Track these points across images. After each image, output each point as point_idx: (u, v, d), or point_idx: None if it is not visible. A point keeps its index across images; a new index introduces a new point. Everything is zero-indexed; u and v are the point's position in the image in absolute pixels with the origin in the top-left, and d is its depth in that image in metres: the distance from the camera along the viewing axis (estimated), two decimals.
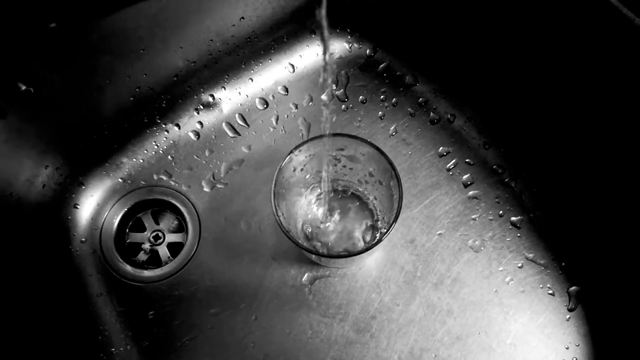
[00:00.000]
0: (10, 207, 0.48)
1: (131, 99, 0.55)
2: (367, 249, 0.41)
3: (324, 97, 0.52)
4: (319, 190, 0.52)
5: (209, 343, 0.49)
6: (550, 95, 0.50)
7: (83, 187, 0.56)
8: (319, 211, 0.52)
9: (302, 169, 0.48)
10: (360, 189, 0.52)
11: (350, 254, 0.45)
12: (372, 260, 0.52)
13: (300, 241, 0.42)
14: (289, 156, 0.43)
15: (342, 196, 0.52)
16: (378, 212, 0.51)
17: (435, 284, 0.50)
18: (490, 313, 0.49)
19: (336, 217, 0.52)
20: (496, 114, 0.57)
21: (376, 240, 0.41)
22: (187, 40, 0.54)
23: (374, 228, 0.51)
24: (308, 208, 0.52)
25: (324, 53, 0.33)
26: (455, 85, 0.59)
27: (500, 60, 0.53)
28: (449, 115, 0.59)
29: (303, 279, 0.51)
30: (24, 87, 0.45)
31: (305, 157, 0.46)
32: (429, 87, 0.60)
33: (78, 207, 0.55)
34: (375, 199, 0.51)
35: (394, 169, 0.42)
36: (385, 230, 0.41)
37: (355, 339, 0.48)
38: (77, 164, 0.55)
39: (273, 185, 0.42)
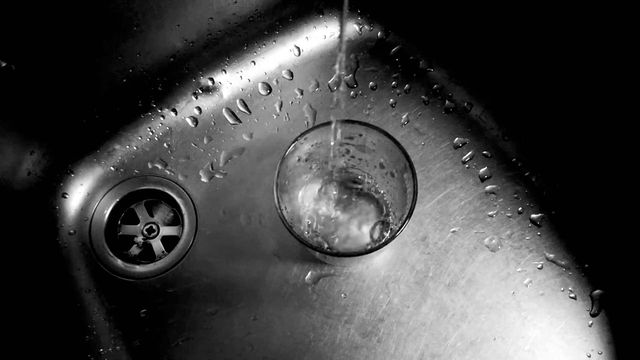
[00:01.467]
0: None
1: (124, 80, 0.53)
2: (377, 247, 0.39)
3: (335, 77, 0.50)
4: (325, 182, 0.50)
5: (204, 344, 0.48)
6: (576, 83, 0.48)
7: (72, 175, 0.55)
8: (325, 205, 0.50)
9: (307, 159, 0.46)
10: (369, 182, 0.50)
11: (359, 252, 0.42)
12: (380, 259, 0.50)
13: (304, 237, 0.39)
14: (293, 144, 0.41)
15: (350, 189, 0.50)
16: (389, 206, 0.49)
17: (448, 285, 0.49)
18: (507, 317, 0.48)
19: (343, 211, 0.50)
20: (516, 102, 0.55)
21: (387, 238, 0.38)
22: (185, 17, 0.52)
23: (383, 224, 0.49)
24: (313, 201, 0.50)
25: (341, 28, 0.30)
26: (472, 71, 0.57)
27: (522, 44, 0.51)
28: (465, 104, 0.57)
29: (306, 278, 0.50)
30: (4, 64, 0.43)
31: (311, 145, 0.44)
32: (444, 73, 0.58)
33: (66, 196, 0.54)
34: (386, 192, 0.49)
35: (408, 160, 0.40)
36: (397, 227, 0.39)
37: (361, 343, 0.47)
38: (65, 150, 0.54)
39: (276, 176, 0.40)
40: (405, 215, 0.39)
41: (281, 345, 0.47)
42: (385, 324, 0.47)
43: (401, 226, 0.38)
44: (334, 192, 0.50)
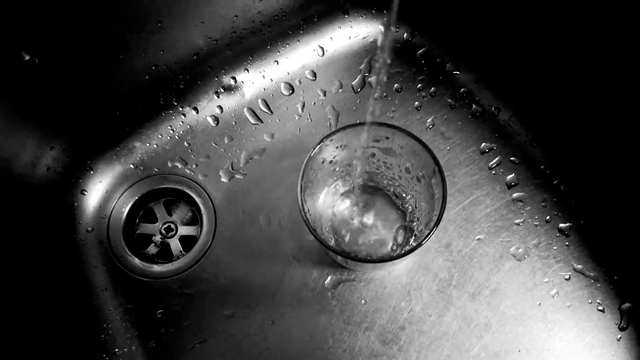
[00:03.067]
0: (11, 190, 0.46)
1: (146, 77, 0.53)
2: (404, 254, 0.38)
3: (372, 79, 0.49)
4: (348, 186, 0.49)
5: (220, 347, 0.47)
6: (606, 89, 0.47)
7: (91, 172, 0.54)
8: (348, 209, 0.49)
9: (331, 161, 0.45)
10: (394, 186, 0.49)
11: (384, 259, 0.41)
12: (402, 265, 0.49)
13: (329, 243, 0.39)
14: (319, 145, 0.40)
15: (374, 193, 0.50)
16: (413, 212, 0.48)
17: (472, 294, 0.48)
18: (532, 329, 0.47)
19: (367, 215, 0.49)
20: (546, 108, 0.53)
21: (414, 245, 0.37)
22: (209, 15, 0.52)
23: (407, 230, 0.48)
24: (335, 204, 0.49)
25: (387, 27, 0.29)
26: (500, 75, 0.56)
27: (553, 47, 0.50)
28: (493, 108, 0.56)
29: (326, 282, 0.49)
30: (27, 57, 0.43)
31: (336, 147, 0.43)
32: (471, 76, 0.57)
33: (85, 193, 0.54)
34: (411, 197, 0.48)
35: (437, 164, 0.39)
36: (424, 234, 0.38)
37: (382, 351, 0.46)
38: (85, 146, 0.54)
39: (300, 178, 0.39)
40: (433, 222, 0.37)
41: (299, 351, 0.47)
42: (406, 332, 0.47)
43: (429, 233, 0.37)
44: (357, 196, 0.49)
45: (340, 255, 0.38)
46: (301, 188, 0.39)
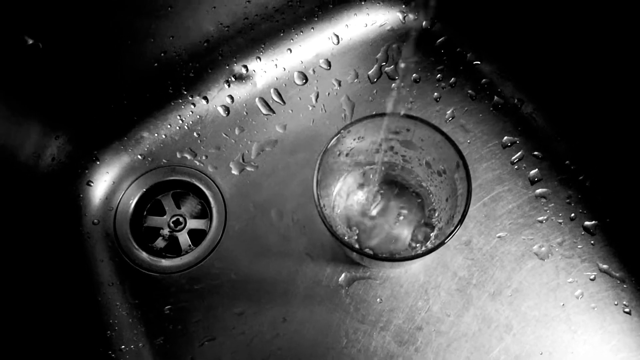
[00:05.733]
0: (14, 181, 0.46)
1: (155, 65, 0.53)
2: (425, 253, 0.36)
3: (402, 64, 0.47)
4: (364, 180, 0.48)
5: (230, 345, 0.47)
6: (635, 81, 0.45)
7: (97, 163, 0.54)
8: (364, 204, 0.48)
9: (347, 154, 0.43)
10: (413, 181, 0.48)
11: (403, 257, 0.40)
12: (419, 263, 0.48)
13: (346, 240, 0.37)
14: (336, 137, 0.39)
15: (392, 187, 0.48)
16: (434, 208, 0.47)
17: (493, 294, 0.47)
18: (555, 331, 0.46)
19: (383, 211, 0.48)
20: (571, 99, 0.52)
21: (437, 242, 0.36)
22: (220, 0, 0.51)
23: (427, 226, 0.47)
24: (351, 199, 0.48)
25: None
26: (524, 65, 0.55)
27: (580, 35, 0.49)
28: (515, 100, 0.55)
29: (340, 279, 0.48)
30: (31, 41, 0.42)
31: (354, 139, 0.41)
32: (493, 67, 0.57)
33: (91, 184, 0.53)
34: (431, 192, 0.46)
35: (462, 158, 0.37)
36: (449, 230, 0.36)
37: (398, 351, 0.45)
38: (91, 136, 0.53)
39: (316, 171, 0.38)
40: (457, 220, 0.36)
41: (312, 350, 0.46)
42: (423, 333, 0.46)
43: (453, 230, 0.35)
44: (374, 190, 0.48)
45: (358, 254, 0.37)
46: (317, 182, 0.38)
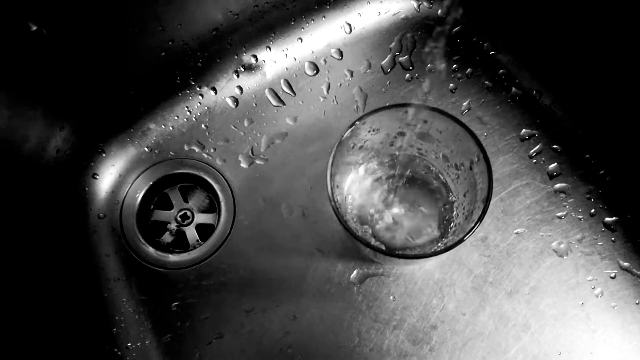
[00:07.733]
0: (18, 173, 0.45)
1: (162, 54, 0.52)
2: (443, 250, 0.35)
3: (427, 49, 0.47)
4: (378, 173, 0.47)
5: (239, 343, 0.46)
6: None
7: (103, 155, 0.54)
8: (377, 198, 0.47)
9: (361, 146, 0.42)
10: (429, 174, 0.47)
11: (419, 255, 0.39)
12: (434, 260, 0.48)
13: (362, 236, 0.36)
14: (351, 128, 0.38)
15: (407, 181, 0.47)
16: (451, 203, 0.46)
17: (510, 292, 0.47)
18: (574, 330, 0.45)
19: (398, 206, 0.47)
20: (591, 91, 0.51)
21: (455, 240, 0.35)
22: None
23: (443, 222, 0.46)
24: (364, 193, 0.47)
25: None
26: (543, 55, 0.54)
27: (602, 24, 0.47)
28: (534, 92, 0.54)
29: (351, 276, 0.48)
30: (34, 28, 0.42)
31: (369, 131, 0.40)
32: (511, 57, 0.56)
33: (97, 177, 0.53)
34: (448, 187, 0.45)
35: (483, 151, 0.36)
36: (468, 227, 0.35)
37: (412, 351, 0.45)
38: (97, 127, 0.53)
39: (330, 164, 0.37)
40: (476, 216, 0.35)
41: (322, 349, 0.46)
42: (438, 332, 0.45)
43: (473, 226, 0.34)
44: (388, 184, 0.47)
45: (374, 250, 0.36)
46: (331, 177, 0.37)
